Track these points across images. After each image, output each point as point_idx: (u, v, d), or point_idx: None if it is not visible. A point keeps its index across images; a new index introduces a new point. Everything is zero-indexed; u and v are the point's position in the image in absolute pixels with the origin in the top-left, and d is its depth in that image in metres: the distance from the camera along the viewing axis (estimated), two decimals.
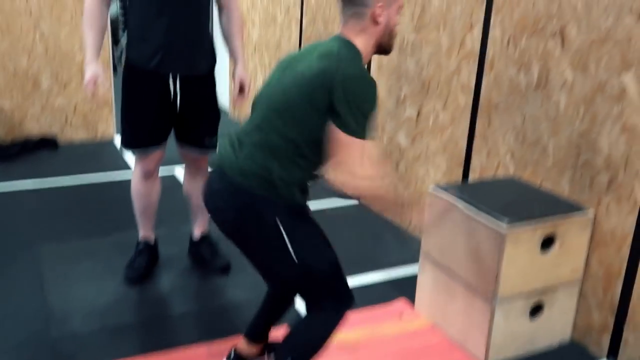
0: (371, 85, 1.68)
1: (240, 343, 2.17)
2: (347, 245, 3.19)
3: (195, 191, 2.84)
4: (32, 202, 3.62)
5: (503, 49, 2.70)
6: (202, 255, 2.96)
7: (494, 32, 2.74)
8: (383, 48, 1.83)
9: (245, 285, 2.80)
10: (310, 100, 1.67)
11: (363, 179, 1.68)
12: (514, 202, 2.39)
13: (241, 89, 2.66)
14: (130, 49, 2.57)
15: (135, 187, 2.80)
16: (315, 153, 1.72)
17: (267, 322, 2.15)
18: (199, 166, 2.84)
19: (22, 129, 4.58)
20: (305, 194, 1.83)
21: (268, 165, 1.71)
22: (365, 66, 2.12)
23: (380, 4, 1.73)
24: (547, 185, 2.55)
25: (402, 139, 3.42)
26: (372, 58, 3.38)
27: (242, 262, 2.44)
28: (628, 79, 2.17)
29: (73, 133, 4.75)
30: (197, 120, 2.70)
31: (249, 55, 5.25)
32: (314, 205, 2.02)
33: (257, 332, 2.15)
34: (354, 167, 1.66)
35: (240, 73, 2.65)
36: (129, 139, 2.68)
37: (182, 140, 2.76)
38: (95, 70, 2.44)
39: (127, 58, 2.58)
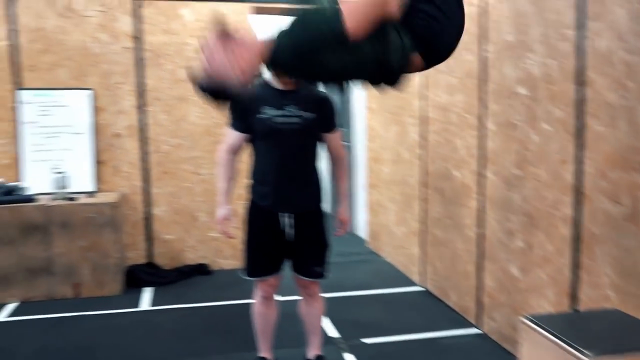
0: None
1: None
2: None
3: (308, 314, 3.17)
4: (182, 321, 4.13)
5: (596, 182, 2.80)
6: None
7: (586, 166, 2.86)
8: None
9: None
10: None
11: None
12: (607, 334, 2.38)
13: (342, 226, 3.12)
14: (252, 189, 3.07)
15: (256, 310, 3.19)
16: None
17: None
18: (311, 292, 3.17)
19: (181, 258, 5.27)
20: None
21: None
22: None
23: None
24: None
25: (514, 270, 3.50)
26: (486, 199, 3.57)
27: None
28: None
29: (223, 261, 5.35)
30: (306, 251, 3.08)
31: (382, 189, 5.64)
32: None
33: None
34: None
35: (342, 213, 3.16)
36: (249, 268, 3.13)
37: (294, 269, 3.13)
38: (225, 213, 3.05)
39: (250, 197, 3.06)
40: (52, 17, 4.89)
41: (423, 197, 4.71)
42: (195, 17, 5.13)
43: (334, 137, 3.13)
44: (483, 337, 3.80)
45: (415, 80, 4.76)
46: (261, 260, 3.10)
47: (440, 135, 4.34)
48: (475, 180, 3.85)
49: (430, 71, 4.43)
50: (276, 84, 2.99)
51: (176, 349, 3.69)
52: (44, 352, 3.66)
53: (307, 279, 3.11)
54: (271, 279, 3.12)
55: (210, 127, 5.21)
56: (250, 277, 3.13)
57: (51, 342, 3.80)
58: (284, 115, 2.96)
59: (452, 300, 4.29)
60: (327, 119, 3.08)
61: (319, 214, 3.10)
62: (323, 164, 3.30)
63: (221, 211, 3.07)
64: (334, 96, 3.12)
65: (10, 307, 4.43)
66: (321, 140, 3.10)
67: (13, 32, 4.82)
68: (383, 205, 5.66)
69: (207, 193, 5.26)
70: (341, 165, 3.18)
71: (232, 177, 3.14)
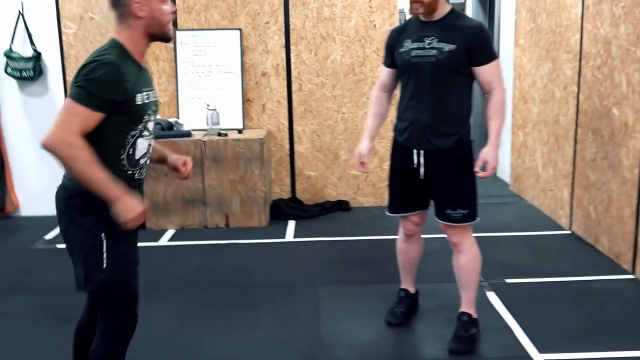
0: (96, 64, 1.93)
1: None
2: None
3: (456, 267, 3.01)
4: (323, 252, 4.29)
5: None
6: None
7: None
8: (155, 36, 2.10)
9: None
10: None
11: (56, 135, 1.89)
12: None
13: (487, 168, 2.81)
14: (395, 125, 3.02)
15: (398, 246, 3.22)
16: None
17: None
18: (453, 241, 2.96)
19: (323, 194, 5.41)
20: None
21: None
22: None
23: (136, 1, 2.01)
24: None
25: None
26: None
27: None
28: None
29: (363, 199, 5.43)
30: (440, 192, 2.92)
31: (529, 130, 5.39)
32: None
33: None
34: (56, 123, 1.90)
35: (485, 153, 2.79)
36: (389, 204, 3.11)
37: (435, 210, 2.97)
38: (361, 149, 3.03)
39: (394, 131, 3.04)
40: None
41: (576, 138, 4.45)
42: None
43: (485, 69, 2.81)
44: (638, 282, 3.59)
45: (572, 12, 4.43)
46: (400, 197, 3.06)
47: (600, 71, 4.03)
48: (638, 118, 3.56)
49: (590, 1, 4.11)
50: (422, 14, 2.85)
51: (319, 276, 3.84)
52: (199, 272, 3.98)
53: (442, 222, 2.95)
54: (412, 217, 3.06)
55: (354, 65, 5.22)
56: (390, 213, 3.11)
57: (205, 265, 4.11)
58: (420, 47, 2.81)
59: (603, 245, 4.07)
60: (474, 50, 2.76)
61: (458, 154, 2.86)
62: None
63: (360, 146, 3.05)
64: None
65: (170, 232, 4.83)
66: (469, 73, 2.83)
67: None
68: (529, 147, 5.42)
69: (348, 131, 5.32)
70: (493, 102, 2.83)
71: (379, 114, 3.09)
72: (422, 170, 2.91)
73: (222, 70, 5.21)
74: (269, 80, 5.25)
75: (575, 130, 4.44)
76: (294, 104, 5.28)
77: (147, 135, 2.14)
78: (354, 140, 5.30)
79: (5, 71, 5.09)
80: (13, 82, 5.17)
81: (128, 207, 1.97)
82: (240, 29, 5.15)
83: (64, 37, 5.14)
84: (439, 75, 2.79)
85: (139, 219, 2.02)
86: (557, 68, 4.76)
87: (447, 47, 2.76)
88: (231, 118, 5.20)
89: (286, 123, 5.32)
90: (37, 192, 5.28)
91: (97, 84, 1.92)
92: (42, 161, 5.09)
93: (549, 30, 4.89)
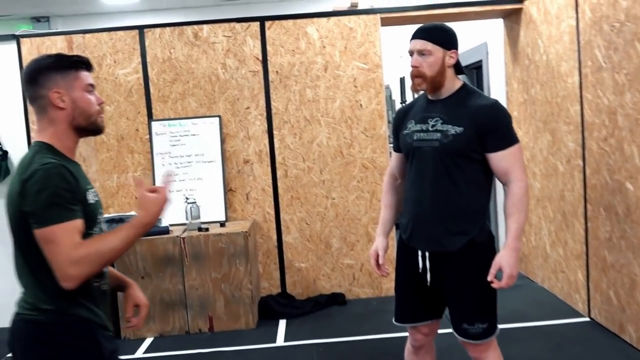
0: (44, 172, 1.69)
1: None
2: None
3: None
4: (319, 358, 3.83)
5: None
6: None
7: None
8: (84, 129, 1.87)
9: None
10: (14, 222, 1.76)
11: (66, 271, 1.67)
12: None
13: (501, 277, 2.32)
14: (400, 218, 2.64)
15: (406, 357, 2.76)
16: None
17: None
18: (474, 357, 2.55)
19: (316, 287, 4.99)
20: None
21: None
22: None
23: (55, 91, 1.80)
24: None
25: None
26: None
27: None
28: None
29: (360, 290, 5.00)
30: (451, 302, 2.50)
31: (532, 206, 5.05)
32: None
33: None
34: (54, 261, 1.67)
35: (500, 258, 2.33)
36: (396, 312, 2.65)
37: (451, 321, 2.54)
38: (377, 246, 2.62)
39: (399, 227, 2.65)
40: (180, 46, 4.86)
41: (586, 215, 4.09)
42: (321, 34, 4.89)
43: (500, 157, 2.36)
44: None
45: (569, 81, 4.18)
46: (407, 305, 2.61)
47: (607, 143, 3.72)
48: None
49: (588, 70, 3.86)
50: (426, 92, 2.50)
51: None
52: None
53: (459, 337, 2.51)
54: (422, 327, 2.62)
55: (342, 147, 4.93)
56: (397, 322, 2.66)
57: None
58: (423, 130, 2.45)
59: (630, 334, 3.63)
60: (486, 133, 2.35)
61: (471, 259, 2.41)
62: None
63: (374, 244, 2.64)
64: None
65: (147, 342, 4.36)
66: (483, 160, 2.40)
67: (144, 65, 4.84)
68: (534, 225, 5.06)
69: (339, 217, 4.96)
70: (511, 196, 2.36)
71: (391, 204, 2.69)
72: (428, 276, 2.48)
73: (202, 160, 4.90)
74: (252, 168, 4.93)
75: (585, 207, 4.09)
76: (280, 191, 4.95)
77: None
78: (345, 226, 4.94)
79: None
80: None
81: (146, 208, 1.80)
82: (219, 116, 4.88)
83: (32, 134, 4.84)
84: (443, 162, 2.40)
85: (162, 202, 1.82)
86: (557, 140, 4.46)
87: (453, 129, 2.38)
88: (213, 210, 4.85)
89: (272, 212, 4.96)
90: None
91: (59, 191, 1.69)
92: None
93: (545, 101, 4.63)
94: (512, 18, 5.16)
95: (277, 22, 4.88)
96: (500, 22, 5.43)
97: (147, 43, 4.83)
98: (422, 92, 2.53)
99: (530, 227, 5.15)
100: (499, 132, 2.38)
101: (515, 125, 5.22)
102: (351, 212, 4.94)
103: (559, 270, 4.64)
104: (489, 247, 2.47)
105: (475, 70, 6.66)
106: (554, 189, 4.60)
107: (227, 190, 4.91)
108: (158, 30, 4.84)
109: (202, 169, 4.89)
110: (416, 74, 2.42)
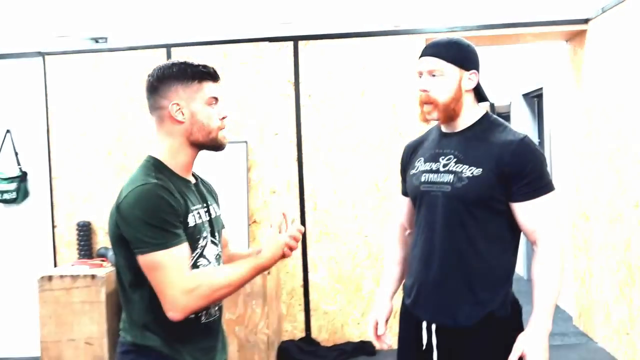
0: (138, 194, 1.60)
1: None
2: None
3: None
4: None
5: None
6: None
7: None
8: (202, 145, 1.76)
9: None
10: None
11: (176, 301, 1.59)
12: None
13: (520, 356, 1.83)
14: (405, 279, 2.17)
15: None
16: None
17: None
18: None
19: (343, 333, 4.52)
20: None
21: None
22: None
23: (174, 102, 1.71)
24: None
25: None
26: None
27: None
28: None
29: (392, 338, 4.49)
30: None
31: (593, 254, 4.41)
32: None
33: None
34: (162, 292, 1.59)
35: (523, 341, 1.84)
36: None
37: None
38: (378, 311, 2.16)
39: (403, 288, 2.18)
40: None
41: None
42: (357, 55, 4.48)
43: (527, 208, 1.88)
44: None
45: (636, 115, 3.60)
46: None
47: None
48: None
49: None
50: (439, 122, 2.05)
51: None
52: None
53: None
54: None
55: (378, 180, 4.47)
56: None
57: None
58: (432, 170, 1.99)
59: None
60: (510, 177, 1.87)
61: (488, 336, 1.91)
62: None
63: (374, 310, 2.18)
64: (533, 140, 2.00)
65: None
66: (506, 211, 1.92)
67: None
68: (595, 276, 4.42)
69: (372, 257, 4.49)
70: (539, 260, 1.88)
71: (399, 259, 2.22)
72: (435, 356, 1.97)
73: (226, 188, 4.55)
74: (279, 199, 4.54)
75: None
76: (308, 225, 4.52)
77: (205, 266, 1.77)
78: (379, 268, 4.46)
79: None
80: None
81: (272, 252, 1.80)
82: (246, 142, 4.52)
83: (52, 155, 4.62)
84: (456, 211, 1.92)
85: (289, 246, 1.84)
86: (624, 181, 3.86)
87: (469, 171, 1.91)
88: (235, 243, 4.47)
89: (299, 248, 4.55)
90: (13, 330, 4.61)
91: (159, 213, 1.61)
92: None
93: (611, 135, 4.04)
94: (576, 40, 4.60)
95: (311, 41, 4.51)
96: (562, 44, 4.87)
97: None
98: (434, 123, 2.07)
99: (590, 276, 4.52)
100: (529, 176, 1.87)
101: (576, 160, 4.67)
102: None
103: (622, 331, 4.00)
104: (514, 323, 1.95)
105: (536, 99, 6.10)
106: (618, 236, 3.98)
107: (251, 222, 4.53)
108: (186, 49, 4.55)
109: (225, 198, 4.53)
110: (425, 100, 1.96)
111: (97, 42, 4.73)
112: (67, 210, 4.60)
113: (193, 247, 1.71)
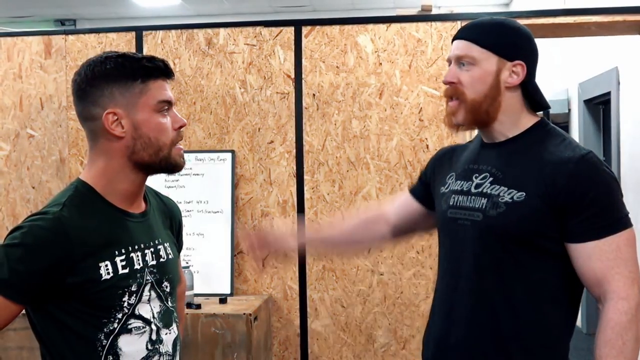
0: (26, 228, 1.32)
1: None
2: None
3: None
4: None
5: None
6: None
7: None
8: (149, 166, 1.44)
9: None
10: None
11: None
12: None
13: None
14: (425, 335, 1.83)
15: None
16: None
17: None
18: None
19: None
20: None
21: None
22: None
23: (110, 111, 1.39)
24: None
25: None
26: None
27: None
28: None
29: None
30: None
31: None
32: None
33: None
34: None
35: None
36: None
37: None
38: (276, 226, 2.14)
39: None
40: (187, 55, 3.70)
41: None
42: (377, 46, 3.60)
43: (593, 251, 1.47)
44: None
45: None
46: None
47: None
48: None
49: None
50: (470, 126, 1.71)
51: None
52: None
53: None
54: None
55: None
56: None
57: None
58: (463, 191, 1.64)
59: None
60: (567, 207, 1.49)
61: None
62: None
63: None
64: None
65: None
66: (559, 253, 1.52)
67: None
68: None
69: (389, 301, 3.60)
70: (605, 321, 1.47)
71: (343, 229, 2.14)
72: None
73: (206, 209, 3.70)
74: (273, 224, 3.66)
75: None
76: (309, 258, 3.65)
77: (140, 329, 1.43)
78: (396, 314, 3.58)
79: None
80: None
81: None
82: (232, 151, 3.66)
83: None
84: (489, 250, 1.56)
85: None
86: None
87: (508, 194, 1.54)
88: (215, 278, 3.64)
89: (296, 287, 3.67)
90: None
91: (19, 254, 1.30)
92: None
93: None
94: None
95: (317, 27, 3.64)
96: (636, 39, 4.00)
97: (145, 49, 3.70)
98: (464, 129, 1.73)
99: None
100: (592, 208, 1.48)
101: None
102: (406, 295, 3.57)
103: None
104: None
105: (602, 106, 5.29)
106: None
107: (237, 252, 3.66)
108: (161, 33, 3.71)
109: (205, 221, 3.67)
110: (451, 93, 1.64)
111: (63, 24, 4.00)
112: None
113: (111, 306, 1.39)
